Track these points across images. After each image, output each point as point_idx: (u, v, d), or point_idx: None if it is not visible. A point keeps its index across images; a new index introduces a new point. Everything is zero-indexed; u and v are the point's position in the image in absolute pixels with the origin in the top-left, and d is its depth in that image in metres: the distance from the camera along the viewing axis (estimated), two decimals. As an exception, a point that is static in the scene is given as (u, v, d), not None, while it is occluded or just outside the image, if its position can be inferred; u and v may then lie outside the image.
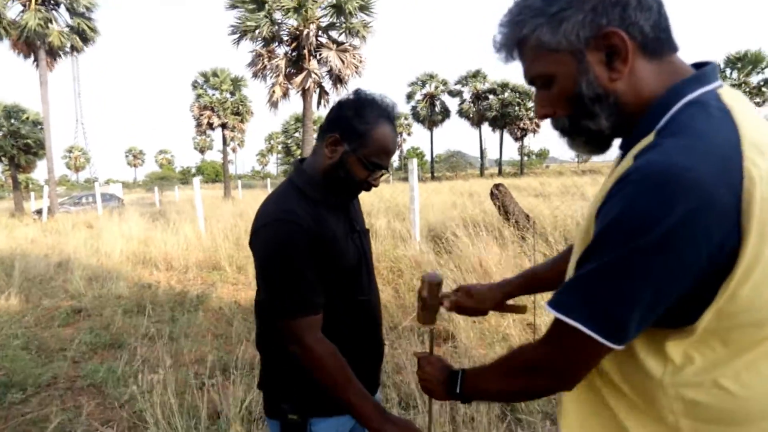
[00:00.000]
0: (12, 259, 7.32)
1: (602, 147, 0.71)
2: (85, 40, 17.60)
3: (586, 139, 0.70)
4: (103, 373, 3.16)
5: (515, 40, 0.68)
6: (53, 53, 17.16)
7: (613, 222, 0.57)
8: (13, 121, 23.15)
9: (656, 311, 0.58)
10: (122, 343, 3.74)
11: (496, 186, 6.36)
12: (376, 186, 1.15)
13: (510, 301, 1.13)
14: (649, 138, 0.61)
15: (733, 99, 0.61)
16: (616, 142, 0.72)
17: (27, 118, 23.35)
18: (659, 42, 0.63)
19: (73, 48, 17.57)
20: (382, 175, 1.15)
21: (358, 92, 1.13)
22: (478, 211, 7.66)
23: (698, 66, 0.66)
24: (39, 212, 17.20)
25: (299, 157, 1.26)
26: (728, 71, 30.90)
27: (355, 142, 1.09)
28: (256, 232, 1.09)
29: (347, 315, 1.16)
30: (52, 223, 13.29)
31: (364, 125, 1.08)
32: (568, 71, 0.65)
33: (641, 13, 0.61)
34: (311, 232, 1.06)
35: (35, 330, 4.24)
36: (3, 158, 23.51)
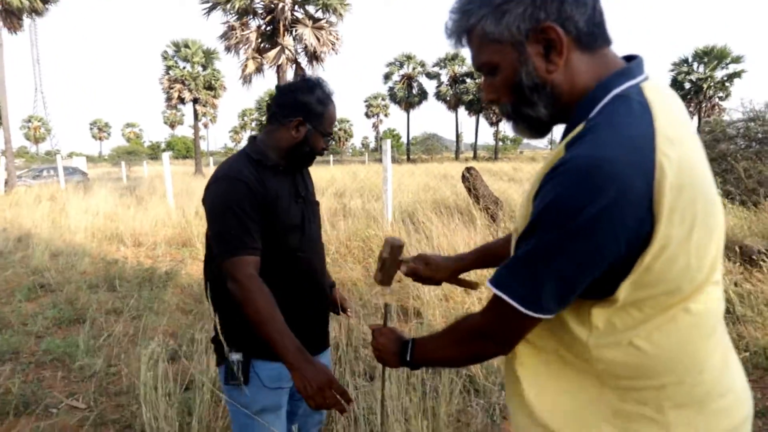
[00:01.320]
0: (-33, 232, 7.02)
1: (542, 132, 0.77)
2: (45, 1, 16.55)
3: (527, 125, 0.75)
4: (67, 347, 3.13)
5: (464, 28, 0.72)
6: (13, 14, 16.05)
7: (545, 208, 0.63)
8: (-35, 87, 21.75)
9: (580, 285, 0.65)
10: (87, 318, 3.69)
11: (468, 169, 6.47)
12: (327, 150, 1.39)
13: (463, 275, 1.20)
14: (579, 128, 0.66)
15: (655, 92, 0.66)
16: (559, 128, 0.77)
17: (-19, 85, 21.99)
18: (593, 36, 0.67)
19: (33, 10, 16.50)
20: (332, 139, 1.40)
21: (306, 79, 1.32)
22: (450, 194, 7.79)
23: (629, 59, 0.71)
24: (-5, 185, 16.37)
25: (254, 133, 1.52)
26: (695, 65, 31.87)
27: (315, 120, 1.31)
28: (207, 188, 1.26)
29: (288, 269, 1.31)
30: (10, 196, 12.69)
31: (321, 107, 1.31)
32: (510, 61, 0.69)
33: (577, 9, 0.65)
34: (255, 190, 1.23)
35: (-6, 305, 4.12)
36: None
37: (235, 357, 1.28)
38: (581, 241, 0.61)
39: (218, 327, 1.31)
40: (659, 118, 0.62)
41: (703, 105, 32.08)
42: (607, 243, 0.61)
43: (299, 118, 1.29)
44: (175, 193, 8.86)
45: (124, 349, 3.11)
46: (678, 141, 0.62)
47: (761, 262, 3.63)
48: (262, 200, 1.24)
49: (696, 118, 32.68)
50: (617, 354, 0.68)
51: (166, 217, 7.50)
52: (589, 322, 0.68)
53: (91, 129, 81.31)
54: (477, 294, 3.56)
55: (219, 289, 1.29)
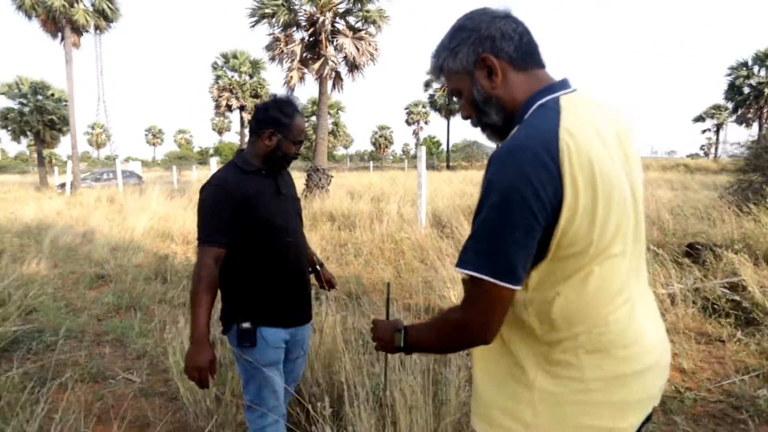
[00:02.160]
0: (41, 228, 7.78)
1: (504, 137, 0.94)
2: (108, 19, 17.99)
3: (490, 130, 0.97)
4: (124, 329, 3.50)
5: (438, 67, 0.98)
6: (78, 31, 17.58)
7: (483, 190, 0.82)
8: (39, 97, 23.87)
9: (531, 248, 0.79)
10: (141, 305, 4.08)
11: (501, 175, 6.52)
12: (299, 154, 1.70)
13: None
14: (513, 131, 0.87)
15: (569, 101, 0.85)
16: None
17: (52, 95, 24.04)
18: (523, 60, 0.91)
19: (96, 27, 17.97)
20: (302, 146, 1.69)
21: (275, 97, 1.64)
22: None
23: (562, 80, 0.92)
24: (63, 186, 17.82)
25: (241, 146, 1.87)
26: (755, 68, 29.96)
27: (284, 131, 1.62)
28: (200, 193, 1.58)
29: (278, 252, 1.63)
30: (75, 197, 13.83)
31: (288, 119, 1.62)
32: (467, 85, 0.94)
33: (505, 42, 0.90)
34: (235, 193, 1.54)
35: (63, 291, 4.62)
36: (29, 133, 24.31)
37: (245, 325, 1.58)
38: (515, 210, 0.76)
39: (227, 301, 1.63)
40: (564, 117, 0.81)
41: (765, 111, 30.09)
42: (536, 207, 0.76)
43: (271, 129, 1.60)
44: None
45: (172, 333, 3.44)
46: (580, 136, 0.79)
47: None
48: (242, 199, 1.55)
49: (756, 124, 30.73)
50: (545, 308, 0.84)
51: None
52: (526, 283, 0.84)
53: (146, 135, 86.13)
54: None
55: (227, 272, 1.58)
